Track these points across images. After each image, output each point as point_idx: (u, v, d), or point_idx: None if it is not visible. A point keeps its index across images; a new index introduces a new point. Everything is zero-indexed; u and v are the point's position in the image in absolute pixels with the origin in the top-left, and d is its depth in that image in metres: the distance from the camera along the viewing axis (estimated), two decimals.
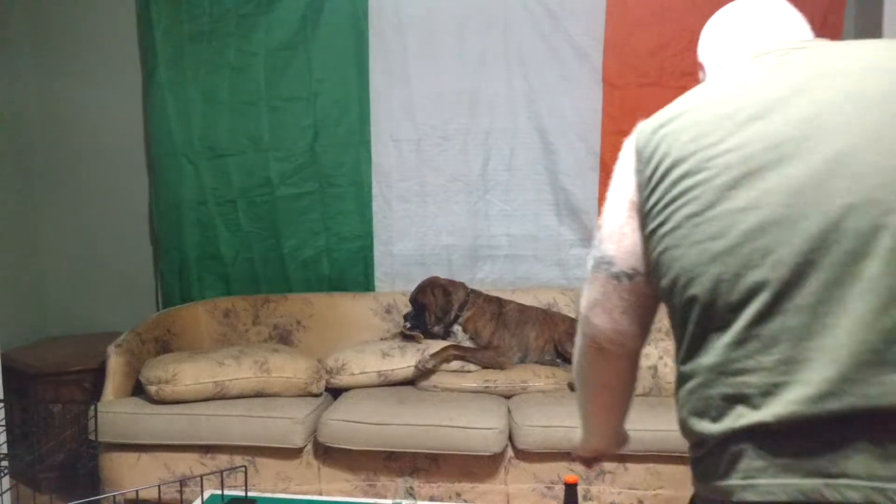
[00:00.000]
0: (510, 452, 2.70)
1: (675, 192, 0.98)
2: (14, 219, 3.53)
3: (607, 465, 2.64)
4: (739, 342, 0.91)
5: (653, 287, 1.06)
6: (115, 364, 2.82)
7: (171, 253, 3.59)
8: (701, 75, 1.26)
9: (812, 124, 0.91)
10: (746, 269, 0.91)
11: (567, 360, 3.06)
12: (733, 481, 0.92)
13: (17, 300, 3.51)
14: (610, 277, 1.08)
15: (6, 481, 2.21)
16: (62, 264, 3.70)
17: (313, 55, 3.44)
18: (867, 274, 0.85)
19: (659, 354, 2.83)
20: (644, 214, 1.03)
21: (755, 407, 0.90)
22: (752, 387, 0.90)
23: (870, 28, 3.10)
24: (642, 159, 1.04)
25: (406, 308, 3.38)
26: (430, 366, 2.91)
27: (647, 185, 1.02)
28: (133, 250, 3.69)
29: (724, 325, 0.93)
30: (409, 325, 3.18)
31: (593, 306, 1.11)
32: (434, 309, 3.15)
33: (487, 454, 2.63)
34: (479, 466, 2.69)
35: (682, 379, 1.01)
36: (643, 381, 2.82)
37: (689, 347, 0.99)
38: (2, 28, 3.53)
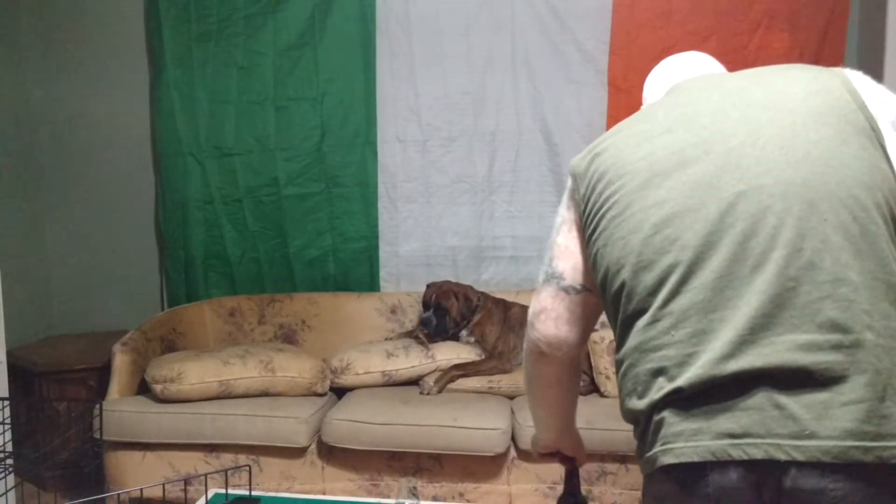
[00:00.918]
0: (513, 453, 2.70)
1: (601, 200, 1.12)
2: (21, 217, 3.55)
3: (609, 466, 2.65)
4: (656, 320, 1.02)
5: (597, 298, 1.18)
6: (121, 362, 2.83)
7: (176, 252, 3.60)
8: None
9: (708, 131, 1.07)
10: (659, 255, 1.03)
11: None
12: (656, 449, 1.01)
13: (23, 298, 3.53)
14: (559, 290, 1.20)
15: (11, 479, 2.22)
16: (68, 262, 3.71)
17: (321, 55, 3.45)
18: (758, 249, 0.97)
19: None
20: (582, 227, 1.18)
21: (672, 378, 0.99)
22: (670, 359, 1.00)
23: (872, 42, 3.10)
24: (577, 180, 1.20)
25: (411, 309, 3.39)
26: (434, 392, 2.89)
27: (582, 202, 1.17)
28: (139, 249, 3.70)
29: (644, 308, 1.04)
30: (427, 331, 3.11)
31: (539, 313, 1.21)
32: (455, 314, 3.14)
33: (490, 454, 2.64)
34: (481, 467, 2.69)
35: (617, 366, 1.10)
36: None
37: (620, 335, 1.09)
38: (10, 28, 3.55)
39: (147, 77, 3.61)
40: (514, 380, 2.96)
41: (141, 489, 2.34)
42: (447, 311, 3.12)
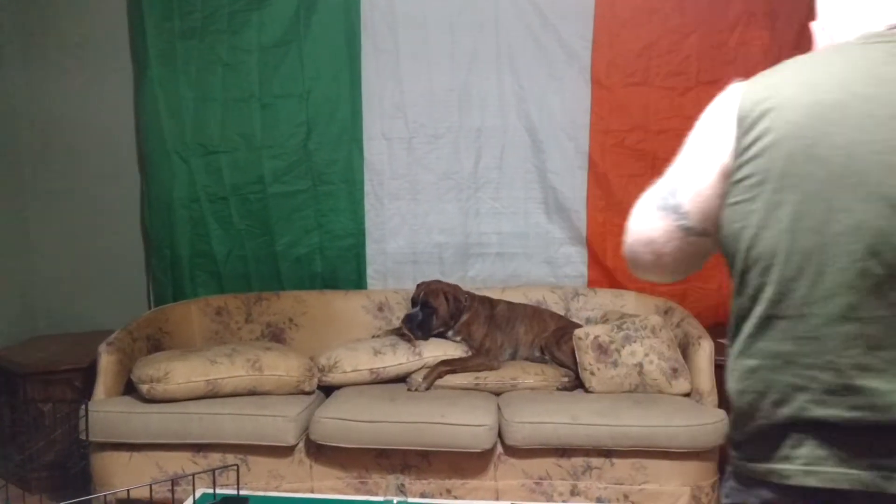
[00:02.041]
0: (499, 449, 2.73)
1: (774, 172, 0.97)
2: (4, 216, 3.52)
3: (594, 461, 2.68)
4: (815, 338, 0.96)
5: (714, 242, 1.08)
6: (107, 363, 2.82)
7: (162, 250, 3.59)
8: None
9: None
10: (832, 268, 0.94)
11: (555, 361, 3.09)
12: (793, 466, 0.98)
13: (7, 298, 3.51)
14: (679, 228, 1.08)
15: None
16: (53, 262, 3.69)
17: (306, 52, 3.44)
18: None
19: (644, 352, 2.86)
20: (732, 183, 1.02)
21: (822, 403, 0.95)
22: (821, 383, 0.95)
23: None
24: (743, 127, 1.01)
25: (398, 306, 3.40)
26: (422, 389, 2.90)
27: (743, 155, 1.00)
28: (124, 248, 3.69)
29: (799, 317, 0.97)
30: (408, 325, 3.09)
31: (648, 243, 1.11)
32: (443, 314, 3.13)
33: (477, 451, 2.66)
34: (468, 463, 2.71)
35: (742, 353, 1.03)
36: (629, 378, 2.86)
37: (757, 325, 1.01)
38: None
39: (131, 75, 3.58)
40: (500, 376, 2.98)
41: (128, 490, 2.34)
42: (435, 310, 3.12)
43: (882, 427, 0.93)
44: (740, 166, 1.00)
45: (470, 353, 3.06)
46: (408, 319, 3.14)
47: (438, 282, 3.27)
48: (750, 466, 1.03)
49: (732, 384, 1.05)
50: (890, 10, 1.01)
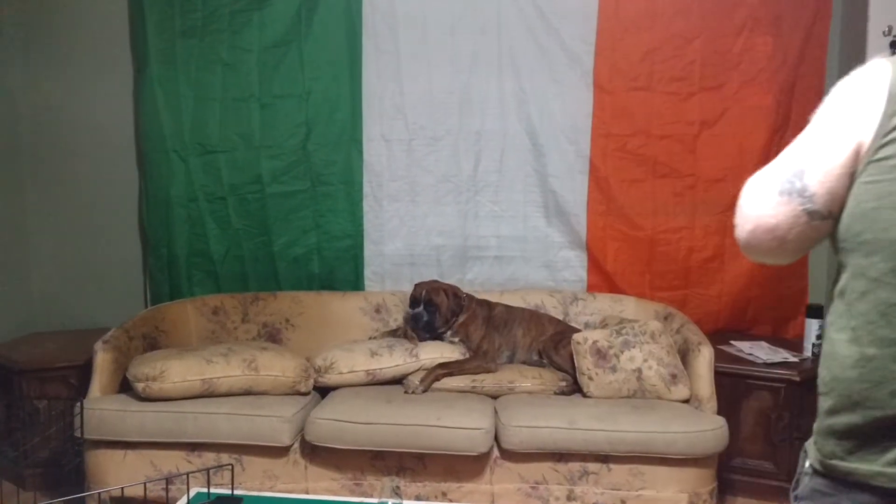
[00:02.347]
0: (496, 452, 2.71)
1: None
2: (2, 213, 3.51)
3: (591, 466, 2.66)
4: None
5: (831, 225, 1.04)
6: (102, 360, 2.81)
7: (160, 249, 3.58)
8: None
9: None
10: None
11: (553, 365, 3.07)
12: None
13: (4, 295, 3.49)
14: (804, 212, 1.03)
15: None
16: (50, 259, 3.68)
17: (306, 53, 3.44)
18: None
19: (644, 357, 2.85)
20: (870, 161, 0.97)
21: None
22: None
23: (854, 46, 3.13)
24: (895, 104, 0.96)
25: (395, 308, 3.39)
26: (419, 391, 2.89)
27: (891, 135, 0.95)
28: (122, 246, 3.68)
29: None
30: (412, 324, 3.10)
31: (771, 230, 1.05)
32: (445, 311, 3.13)
33: (473, 454, 2.65)
34: (464, 466, 2.70)
35: (857, 340, 1.00)
36: (628, 384, 2.85)
37: (881, 313, 0.97)
38: None
39: (131, 73, 3.58)
40: (497, 379, 2.97)
41: (122, 488, 2.33)
42: (437, 308, 3.12)
43: None
44: (884, 145, 0.96)
45: (467, 355, 3.05)
46: (413, 319, 3.13)
47: (436, 280, 3.27)
48: (848, 466, 1.00)
49: (839, 371, 1.02)
50: None
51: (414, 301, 3.18)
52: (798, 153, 1.05)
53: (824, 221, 1.03)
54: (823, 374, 1.06)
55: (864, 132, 0.98)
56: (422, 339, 3.09)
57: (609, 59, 3.36)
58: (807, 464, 1.10)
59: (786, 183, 1.04)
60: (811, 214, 1.03)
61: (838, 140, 1.01)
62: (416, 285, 3.23)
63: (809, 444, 1.11)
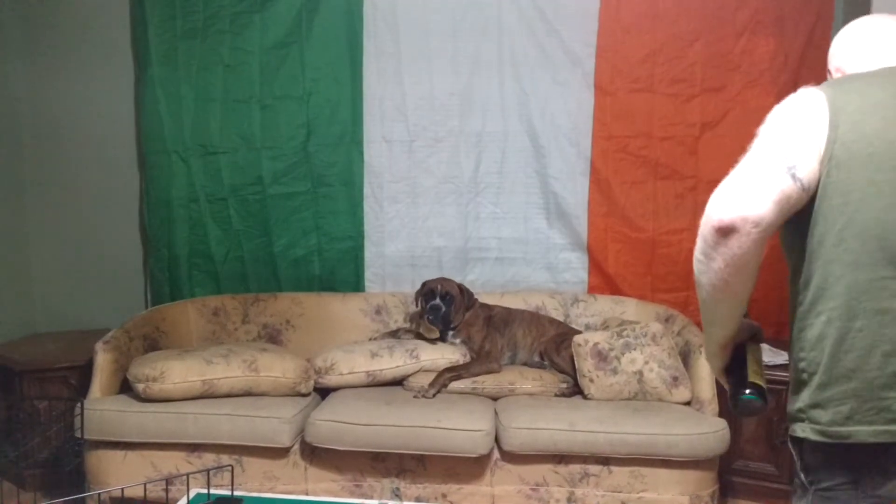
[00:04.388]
0: (496, 454, 2.71)
1: (855, 158, 1.17)
2: (3, 214, 3.51)
3: (591, 468, 2.66)
4: None
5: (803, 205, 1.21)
6: (103, 361, 2.81)
7: (160, 250, 3.58)
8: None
9: None
10: None
11: (554, 367, 3.07)
12: None
13: (5, 295, 3.49)
14: (774, 174, 1.19)
15: None
16: (51, 260, 3.68)
17: (307, 54, 3.44)
18: None
19: (644, 359, 2.85)
20: (821, 161, 1.19)
21: None
22: None
23: None
24: (833, 125, 1.20)
25: (395, 309, 3.39)
26: (430, 396, 2.87)
27: (832, 146, 1.18)
28: (122, 247, 3.68)
29: (891, 277, 1.16)
30: (431, 317, 3.08)
31: (742, 191, 1.19)
32: (459, 304, 3.13)
33: (474, 456, 2.64)
34: (465, 468, 2.70)
35: (843, 316, 1.18)
36: (629, 386, 2.84)
37: (863, 290, 1.16)
38: None
39: (132, 74, 3.58)
40: (498, 380, 2.97)
41: (122, 489, 2.33)
42: (453, 299, 3.12)
43: None
44: (833, 152, 1.18)
45: (468, 356, 3.05)
46: (431, 311, 3.09)
47: (444, 277, 3.28)
48: (848, 430, 1.16)
49: (829, 348, 1.18)
50: (892, 53, 1.32)
51: (431, 294, 3.13)
52: (770, 141, 1.24)
53: (805, 193, 1.20)
54: (810, 356, 1.21)
55: (820, 139, 1.19)
56: (437, 331, 3.08)
57: (610, 61, 3.36)
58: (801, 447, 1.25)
59: (785, 171, 1.19)
60: (793, 179, 1.19)
61: (804, 138, 1.21)
62: (427, 281, 3.22)
63: (798, 429, 1.24)
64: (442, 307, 3.09)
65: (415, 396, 2.88)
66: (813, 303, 1.21)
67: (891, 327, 1.14)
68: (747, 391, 1.28)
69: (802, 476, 1.24)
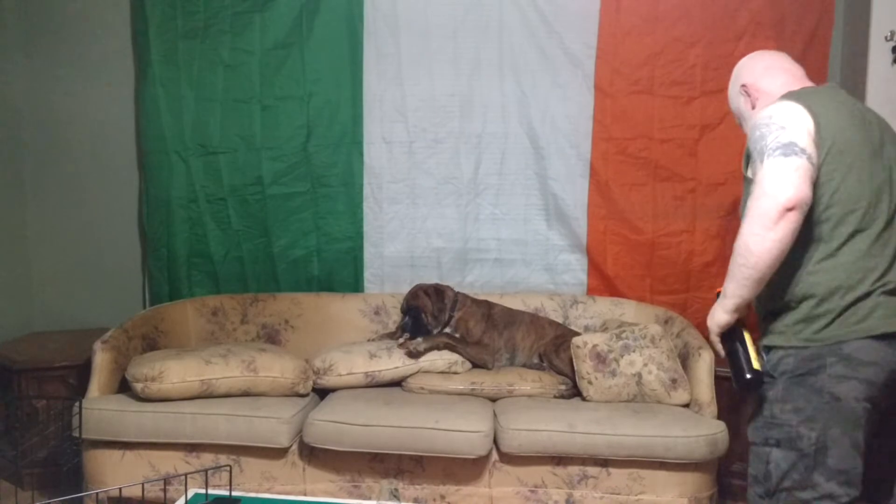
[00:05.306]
0: (495, 456, 2.71)
1: (837, 145, 1.70)
2: (3, 214, 3.51)
3: (590, 470, 2.66)
4: (885, 240, 1.74)
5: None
6: (101, 360, 2.81)
7: (159, 250, 3.57)
8: (745, 100, 1.96)
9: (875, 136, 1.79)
10: (879, 208, 1.72)
11: (553, 368, 3.07)
12: (869, 322, 1.67)
13: (4, 294, 3.49)
14: (806, 160, 1.63)
15: None
16: (50, 258, 3.68)
17: (308, 55, 3.44)
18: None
19: (644, 362, 2.85)
20: (818, 146, 1.69)
21: (892, 274, 1.71)
22: (889, 261, 1.73)
23: (856, 50, 3.13)
24: (817, 125, 1.69)
25: (394, 310, 3.39)
26: (421, 349, 2.91)
27: (820, 141, 1.69)
28: (121, 246, 3.67)
29: (863, 229, 1.70)
30: (408, 334, 3.09)
31: (800, 181, 1.60)
32: (430, 310, 3.15)
33: (472, 457, 2.64)
34: (463, 469, 2.69)
35: (829, 257, 1.71)
36: (628, 388, 2.84)
37: (844, 241, 1.70)
38: None
39: (133, 74, 3.58)
40: (497, 382, 2.96)
41: (120, 488, 2.33)
42: (421, 310, 3.14)
43: None
44: (824, 148, 1.69)
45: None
46: (405, 329, 3.15)
47: (418, 284, 3.31)
48: (833, 334, 1.67)
49: (822, 277, 1.69)
50: (797, 79, 1.90)
51: (403, 312, 3.25)
52: (784, 134, 1.66)
53: (815, 167, 1.66)
54: (818, 278, 1.70)
55: (811, 130, 1.69)
56: (415, 338, 3.07)
57: (610, 63, 3.36)
58: (780, 353, 1.75)
59: (790, 151, 1.63)
60: (810, 159, 1.64)
61: (800, 129, 1.68)
62: (404, 297, 3.29)
63: (779, 340, 1.77)
64: (409, 322, 3.15)
65: (407, 351, 2.94)
66: (817, 250, 1.74)
67: (867, 260, 1.70)
68: (748, 375, 1.72)
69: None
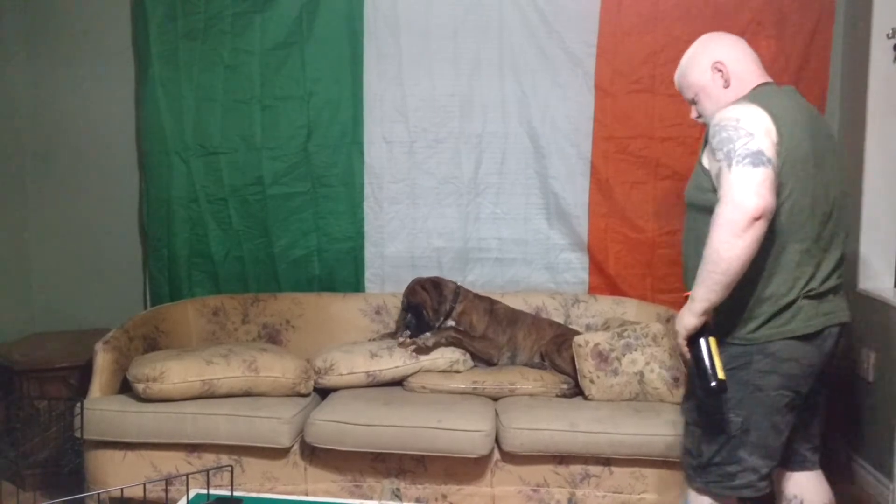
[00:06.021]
0: (497, 455, 2.71)
1: (794, 152, 1.80)
2: (3, 213, 3.51)
3: (592, 469, 2.66)
4: (821, 250, 1.88)
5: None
6: (103, 361, 2.81)
7: (160, 250, 3.57)
8: (716, 76, 1.98)
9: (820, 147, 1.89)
10: (823, 219, 1.87)
11: (555, 368, 3.06)
12: (794, 324, 1.84)
13: (5, 294, 3.49)
14: (771, 170, 1.71)
15: None
16: (51, 259, 3.68)
17: (308, 55, 3.44)
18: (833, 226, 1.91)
19: (646, 360, 2.84)
20: (777, 154, 1.77)
21: (822, 280, 1.87)
22: (820, 269, 1.88)
23: (857, 50, 3.13)
24: (779, 132, 1.78)
25: (395, 310, 3.39)
26: (429, 343, 2.92)
27: (780, 146, 1.77)
28: (122, 247, 3.67)
29: (808, 237, 1.85)
30: (409, 332, 3.09)
31: (766, 191, 1.69)
32: (430, 304, 3.15)
33: (474, 456, 2.64)
34: (465, 468, 2.69)
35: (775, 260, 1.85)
36: (630, 387, 2.84)
37: (795, 254, 1.85)
38: None
39: (133, 74, 3.57)
40: (498, 381, 2.96)
41: (122, 489, 2.33)
42: (421, 306, 3.13)
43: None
44: (782, 153, 1.78)
45: (468, 356, 3.06)
46: (408, 327, 3.14)
47: (416, 279, 3.31)
48: (766, 333, 1.84)
49: (761, 285, 1.83)
50: (762, 75, 1.97)
51: (404, 309, 3.23)
52: (748, 142, 1.73)
53: (776, 172, 1.74)
54: (757, 285, 1.84)
55: (773, 136, 1.77)
56: (420, 335, 3.08)
57: (611, 62, 3.36)
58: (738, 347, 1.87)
59: (749, 155, 1.71)
60: (775, 172, 1.73)
61: (762, 134, 1.76)
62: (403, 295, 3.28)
63: (744, 337, 1.87)
64: (412, 320, 3.14)
65: (415, 345, 2.95)
66: (800, 263, 1.88)
67: (804, 266, 1.85)
68: (713, 384, 1.78)
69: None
